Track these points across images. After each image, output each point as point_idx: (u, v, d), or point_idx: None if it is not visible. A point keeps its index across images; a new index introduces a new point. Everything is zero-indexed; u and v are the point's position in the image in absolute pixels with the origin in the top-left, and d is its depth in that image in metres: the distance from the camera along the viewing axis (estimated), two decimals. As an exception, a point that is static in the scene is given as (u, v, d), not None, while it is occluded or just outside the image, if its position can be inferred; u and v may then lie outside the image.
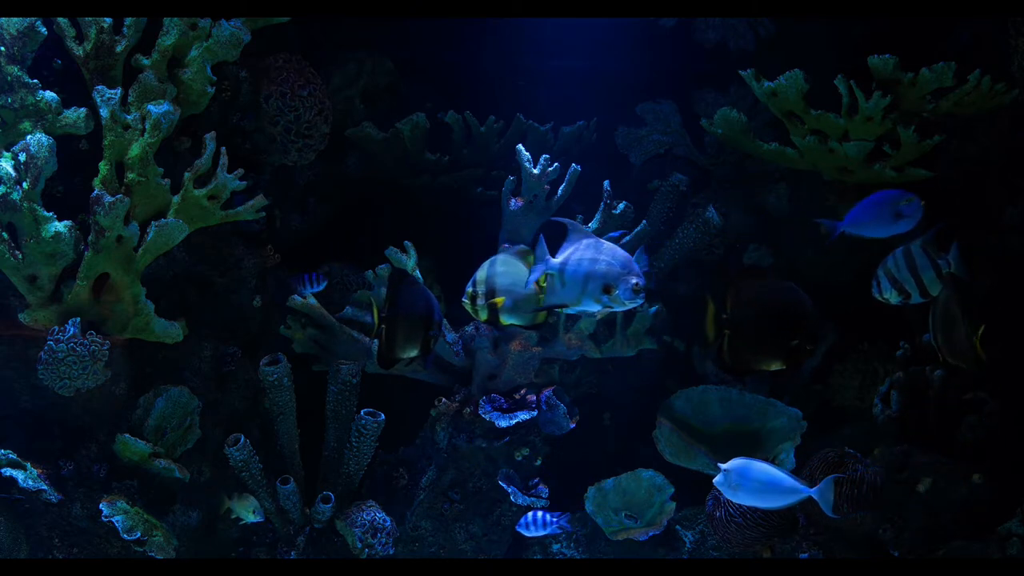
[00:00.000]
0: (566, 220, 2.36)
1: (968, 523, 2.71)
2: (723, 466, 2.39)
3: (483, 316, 2.34)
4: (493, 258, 2.36)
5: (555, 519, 2.88)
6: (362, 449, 2.91)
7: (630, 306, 2.24)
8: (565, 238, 2.30)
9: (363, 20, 3.24)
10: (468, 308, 2.35)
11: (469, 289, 2.35)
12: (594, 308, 2.26)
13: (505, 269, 2.34)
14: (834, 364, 3.39)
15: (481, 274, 2.35)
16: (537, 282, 2.28)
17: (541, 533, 2.90)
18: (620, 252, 2.24)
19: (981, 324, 2.32)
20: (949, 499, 2.73)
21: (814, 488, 2.30)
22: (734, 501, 2.46)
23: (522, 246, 2.40)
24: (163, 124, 2.43)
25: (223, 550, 2.94)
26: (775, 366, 2.21)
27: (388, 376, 3.02)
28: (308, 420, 2.97)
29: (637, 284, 2.19)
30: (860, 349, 3.31)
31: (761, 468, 2.35)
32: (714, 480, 2.41)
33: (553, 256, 2.27)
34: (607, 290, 2.21)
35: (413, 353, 2.33)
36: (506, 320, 2.36)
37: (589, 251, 2.24)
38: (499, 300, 2.32)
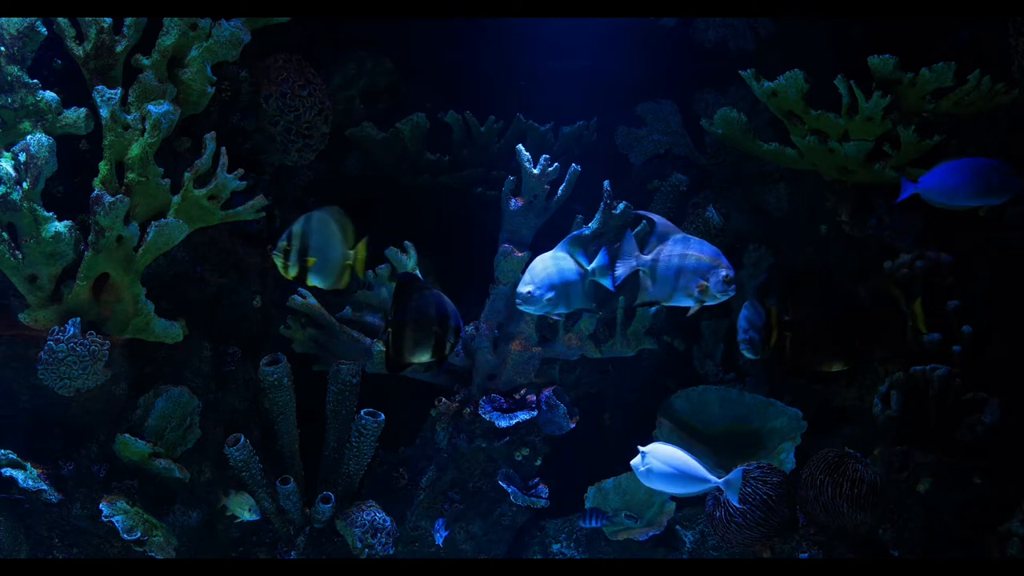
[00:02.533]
0: (655, 216, 2.36)
1: (968, 523, 2.71)
2: (641, 449, 2.41)
3: (292, 273, 2.29)
4: (309, 214, 2.31)
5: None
6: (362, 449, 2.91)
7: (722, 299, 2.24)
8: (652, 235, 2.30)
9: (363, 20, 3.24)
10: (278, 262, 2.29)
11: (283, 242, 2.28)
12: (687, 303, 2.25)
13: (320, 228, 2.29)
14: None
15: (297, 228, 2.29)
16: (356, 251, 2.26)
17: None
18: (708, 245, 2.25)
19: (917, 297, 2.32)
20: (949, 499, 2.73)
21: (722, 479, 2.33)
22: (645, 484, 2.47)
23: (337, 207, 2.34)
24: (163, 124, 2.43)
25: (223, 550, 2.94)
26: (837, 367, 2.20)
27: (388, 376, 3.02)
28: (308, 420, 2.97)
29: (728, 276, 2.19)
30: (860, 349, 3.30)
31: (676, 456, 2.38)
32: (631, 462, 2.43)
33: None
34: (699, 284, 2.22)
35: (424, 359, 2.30)
36: (311, 281, 2.31)
37: (678, 247, 2.26)
38: (311, 260, 2.27)
